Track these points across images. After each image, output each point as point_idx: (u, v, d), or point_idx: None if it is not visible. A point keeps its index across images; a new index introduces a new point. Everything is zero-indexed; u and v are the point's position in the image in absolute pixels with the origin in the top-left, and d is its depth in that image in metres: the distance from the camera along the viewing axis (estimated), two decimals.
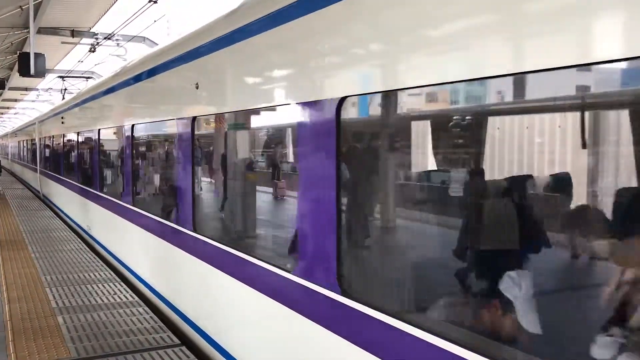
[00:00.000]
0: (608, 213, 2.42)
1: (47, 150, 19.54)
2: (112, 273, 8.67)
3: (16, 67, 17.15)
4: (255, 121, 5.24)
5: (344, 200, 3.43)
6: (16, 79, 27.64)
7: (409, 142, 3.43)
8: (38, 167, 21.74)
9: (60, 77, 22.59)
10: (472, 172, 3.01)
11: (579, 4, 2.07)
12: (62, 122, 15.47)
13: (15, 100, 43.62)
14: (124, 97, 8.99)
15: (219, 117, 5.70)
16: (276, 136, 5.18)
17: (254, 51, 4.48)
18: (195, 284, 5.85)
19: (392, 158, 3.51)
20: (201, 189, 6.23)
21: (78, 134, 13.49)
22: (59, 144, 16.77)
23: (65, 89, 22.87)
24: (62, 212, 15.83)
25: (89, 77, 22.31)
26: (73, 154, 14.39)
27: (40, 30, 17.55)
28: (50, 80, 31.17)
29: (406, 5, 2.90)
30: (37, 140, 22.55)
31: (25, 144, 29.88)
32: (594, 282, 2.60)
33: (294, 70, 4.01)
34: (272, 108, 4.41)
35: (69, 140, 15.10)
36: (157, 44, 14.62)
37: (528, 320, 2.58)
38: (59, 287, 7.80)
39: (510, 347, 2.59)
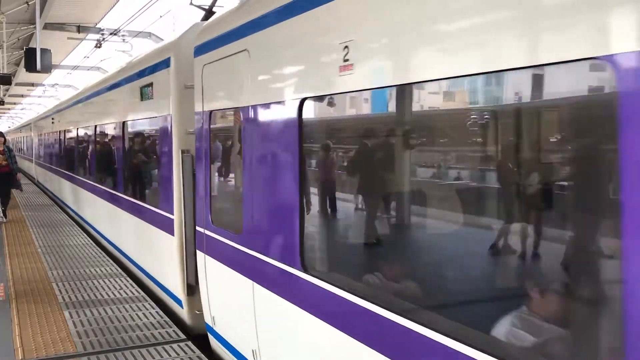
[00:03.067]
0: None
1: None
2: (117, 268, 8.68)
3: (22, 62, 17.20)
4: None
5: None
6: (22, 75, 27.76)
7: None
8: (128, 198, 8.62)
9: None
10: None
11: None
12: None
13: (22, 96, 43.82)
14: None
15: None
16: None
17: None
18: None
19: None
20: None
21: None
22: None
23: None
24: None
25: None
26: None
27: (47, 26, 17.59)
28: (57, 75, 31.31)
29: None
30: (122, 129, 8.93)
31: (72, 141, 14.73)
32: None
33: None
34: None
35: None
36: (162, 40, 14.50)
37: None
38: (65, 282, 7.84)
39: None
